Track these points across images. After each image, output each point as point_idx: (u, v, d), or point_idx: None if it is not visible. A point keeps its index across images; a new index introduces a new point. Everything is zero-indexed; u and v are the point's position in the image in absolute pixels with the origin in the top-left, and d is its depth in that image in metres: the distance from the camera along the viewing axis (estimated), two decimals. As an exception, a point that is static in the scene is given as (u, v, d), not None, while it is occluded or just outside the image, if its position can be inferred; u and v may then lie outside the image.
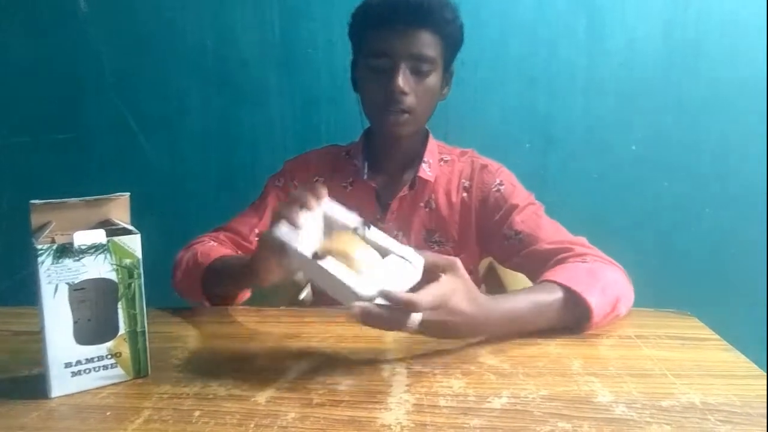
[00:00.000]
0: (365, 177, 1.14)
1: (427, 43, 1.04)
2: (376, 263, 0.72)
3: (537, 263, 1.01)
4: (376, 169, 1.16)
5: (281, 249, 0.74)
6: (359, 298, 0.67)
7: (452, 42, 1.10)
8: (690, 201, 1.74)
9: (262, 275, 0.84)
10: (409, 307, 0.69)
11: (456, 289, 0.74)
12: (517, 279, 1.17)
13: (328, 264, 0.70)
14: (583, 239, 1.03)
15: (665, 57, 1.68)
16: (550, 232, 1.05)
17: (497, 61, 1.70)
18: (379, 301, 0.68)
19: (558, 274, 0.89)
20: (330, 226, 0.77)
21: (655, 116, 1.71)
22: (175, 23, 1.68)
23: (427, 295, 0.70)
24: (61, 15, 1.67)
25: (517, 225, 1.08)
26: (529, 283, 1.06)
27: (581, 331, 0.86)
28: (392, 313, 0.69)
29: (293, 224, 0.73)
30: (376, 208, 1.16)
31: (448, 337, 0.79)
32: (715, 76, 1.68)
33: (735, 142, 1.71)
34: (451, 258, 0.75)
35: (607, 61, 1.69)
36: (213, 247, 1.08)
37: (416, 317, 0.70)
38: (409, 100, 1.04)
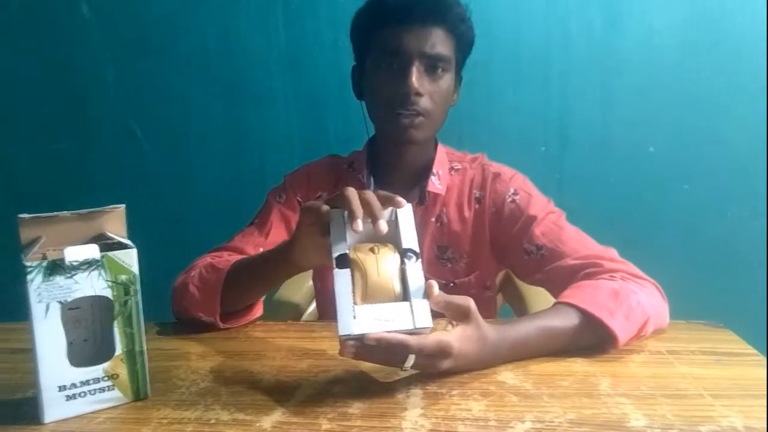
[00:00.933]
0: None
1: (442, 41, 0.98)
2: (388, 300, 0.68)
3: (562, 280, 0.93)
4: (382, 183, 1.09)
5: (324, 228, 0.74)
6: (341, 334, 0.65)
7: (465, 42, 1.04)
8: (712, 203, 1.68)
9: (299, 250, 0.81)
10: (402, 349, 0.66)
11: (466, 337, 0.71)
12: (537, 288, 1.11)
13: (340, 278, 0.68)
14: (612, 251, 0.96)
15: (683, 53, 1.63)
16: (576, 244, 0.97)
17: (510, 61, 1.65)
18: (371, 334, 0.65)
19: (577, 295, 0.83)
20: (388, 233, 0.72)
21: (674, 115, 1.66)
22: (179, 28, 1.65)
23: (431, 341, 0.68)
24: (63, 21, 1.64)
25: (538, 239, 1.00)
26: (549, 295, 1.01)
27: (603, 351, 0.81)
28: (382, 352, 0.67)
29: (353, 220, 0.70)
30: None
31: (454, 373, 0.74)
32: (735, 72, 1.63)
33: (757, 140, 1.65)
34: (465, 304, 0.71)
35: (623, 59, 1.65)
36: (227, 258, 1.02)
37: (410, 358, 0.68)
38: (424, 102, 0.98)
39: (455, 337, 0.70)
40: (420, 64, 0.97)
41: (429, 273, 1.07)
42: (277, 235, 1.07)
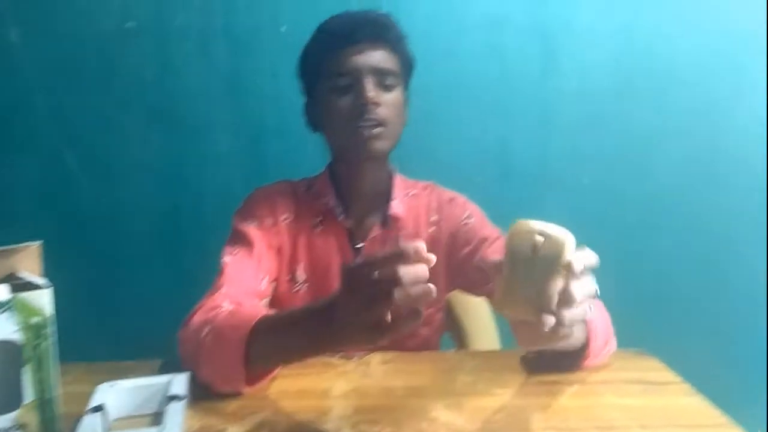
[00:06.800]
0: (340, 217, 1.08)
1: (388, 58, 1.03)
2: None
3: None
4: (344, 208, 1.10)
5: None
6: None
7: (407, 62, 1.08)
8: (645, 232, 1.74)
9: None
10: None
11: None
12: (478, 316, 1.12)
13: None
14: None
15: (616, 86, 1.69)
16: None
17: (449, 91, 1.67)
18: None
19: None
20: None
21: (609, 147, 1.71)
22: (114, 55, 1.60)
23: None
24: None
25: (489, 256, 1.03)
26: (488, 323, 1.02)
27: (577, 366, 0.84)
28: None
29: None
30: (350, 251, 1.09)
31: None
32: (667, 105, 1.70)
33: (688, 171, 1.72)
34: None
35: (560, 91, 1.69)
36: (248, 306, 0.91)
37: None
38: (381, 111, 1.00)
39: None
40: (371, 79, 1.01)
41: None
42: (269, 258, 1.05)
